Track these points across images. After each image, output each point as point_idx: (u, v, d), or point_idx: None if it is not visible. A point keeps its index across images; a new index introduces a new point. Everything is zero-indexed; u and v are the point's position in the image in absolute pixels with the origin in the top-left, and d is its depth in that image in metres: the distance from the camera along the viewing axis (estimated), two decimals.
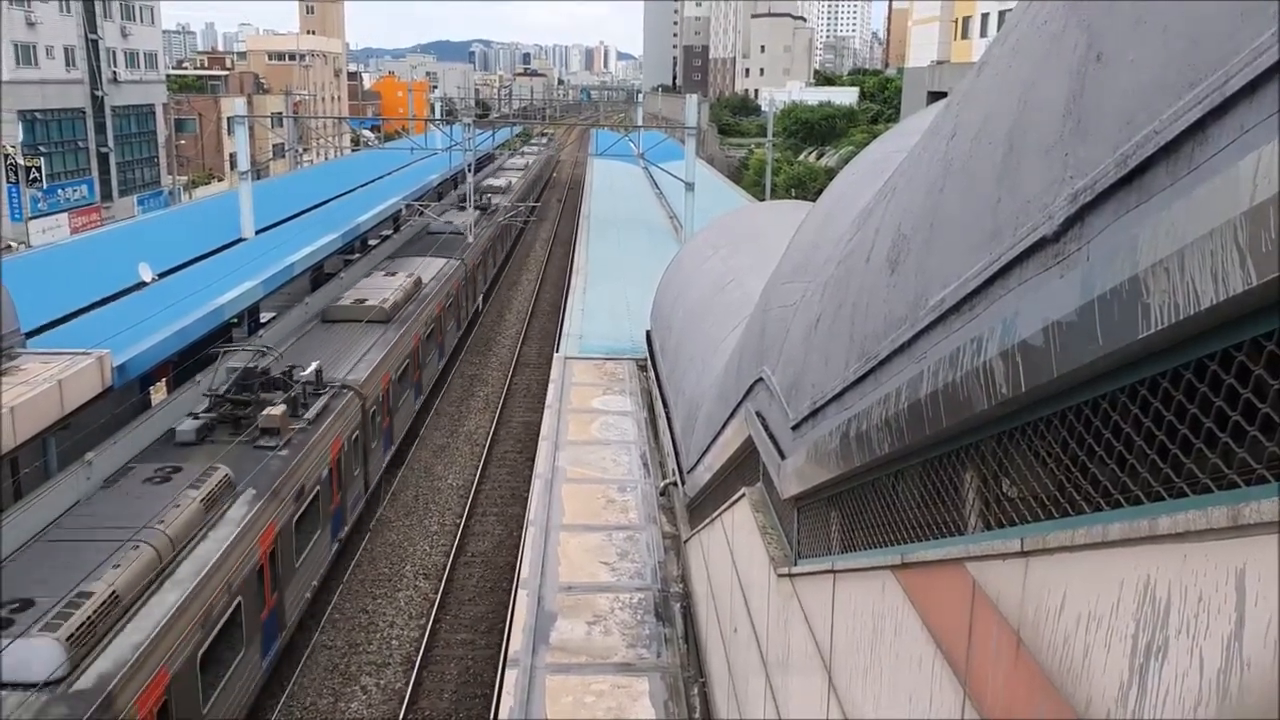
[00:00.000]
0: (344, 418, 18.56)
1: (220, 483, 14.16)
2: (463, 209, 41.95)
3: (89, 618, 10.40)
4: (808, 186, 62.42)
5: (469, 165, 40.95)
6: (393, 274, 29.52)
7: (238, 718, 13.05)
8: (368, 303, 25.39)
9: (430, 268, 31.25)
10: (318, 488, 16.76)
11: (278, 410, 16.70)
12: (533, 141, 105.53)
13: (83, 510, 13.38)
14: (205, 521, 13.36)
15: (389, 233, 42.44)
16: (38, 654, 9.67)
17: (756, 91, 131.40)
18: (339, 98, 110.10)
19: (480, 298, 38.17)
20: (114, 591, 10.97)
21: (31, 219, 49.38)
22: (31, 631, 9.83)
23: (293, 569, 15.43)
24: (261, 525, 14.16)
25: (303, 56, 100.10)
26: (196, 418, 16.75)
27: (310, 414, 17.54)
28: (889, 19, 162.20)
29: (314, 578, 16.66)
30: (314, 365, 19.17)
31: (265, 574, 14.19)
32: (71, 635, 10.02)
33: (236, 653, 13.06)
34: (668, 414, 15.60)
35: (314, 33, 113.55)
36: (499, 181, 58.89)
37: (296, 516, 15.60)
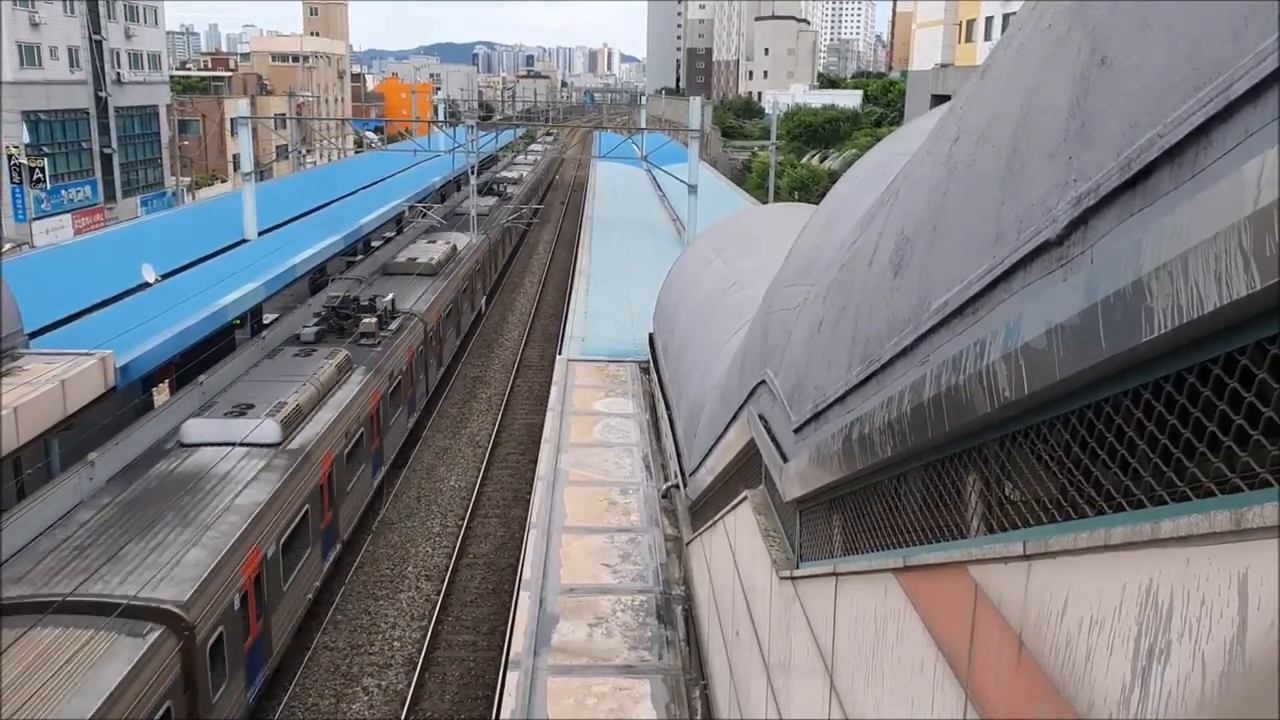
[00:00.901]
0: (413, 334, 25.55)
1: (344, 359, 21.12)
2: (483, 196, 49.85)
3: (289, 414, 17.32)
4: (811, 189, 62.40)
5: (472, 167, 41.22)
6: (433, 241, 36.68)
7: (360, 508, 19.76)
8: (418, 260, 32.32)
9: (462, 239, 37.95)
10: (400, 378, 23.48)
11: (373, 320, 24.08)
12: (538, 140, 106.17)
13: (258, 369, 20.50)
14: (339, 380, 20.35)
15: (391, 234, 42.77)
16: (268, 429, 16.57)
17: (760, 94, 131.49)
18: (342, 99, 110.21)
19: (497, 273, 44.19)
20: (299, 404, 17.89)
21: (35, 220, 49.47)
22: (262, 416, 16.82)
23: (388, 426, 22.28)
24: (370, 389, 20.92)
25: (306, 58, 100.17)
26: (310, 327, 23.69)
27: (392, 327, 24.80)
28: (893, 22, 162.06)
29: (399, 439, 23.69)
30: (390, 296, 26.38)
31: (374, 421, 20.96)
32: (283, 421, 16.98)
33: (361, 464, 19.82)
34: (670, 417, 15.59)
35: (318, 34, 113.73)
36: (512, 174, 68.92)
37: (389, 392, 22.27)
